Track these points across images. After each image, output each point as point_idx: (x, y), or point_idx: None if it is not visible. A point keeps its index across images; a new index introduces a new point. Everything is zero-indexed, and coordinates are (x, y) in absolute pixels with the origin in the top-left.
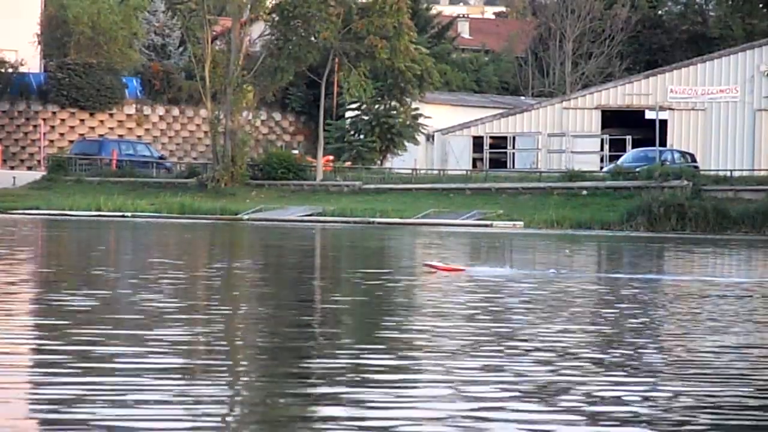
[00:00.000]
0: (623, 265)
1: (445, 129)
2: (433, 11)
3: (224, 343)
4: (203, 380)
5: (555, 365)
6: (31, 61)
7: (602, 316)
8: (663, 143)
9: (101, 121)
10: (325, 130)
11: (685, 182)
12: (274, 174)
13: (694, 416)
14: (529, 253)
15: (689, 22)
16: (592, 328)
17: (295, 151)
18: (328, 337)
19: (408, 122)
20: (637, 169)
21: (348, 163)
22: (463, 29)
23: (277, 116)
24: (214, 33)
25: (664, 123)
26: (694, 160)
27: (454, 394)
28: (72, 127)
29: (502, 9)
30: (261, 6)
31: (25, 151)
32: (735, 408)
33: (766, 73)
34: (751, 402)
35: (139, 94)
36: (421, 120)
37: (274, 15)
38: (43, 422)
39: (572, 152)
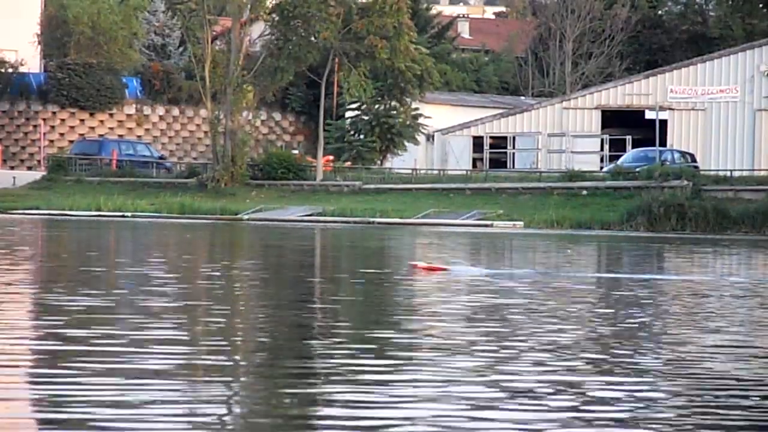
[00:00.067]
0: (619, 265)
1: (445, 129)
2: (433, 11)
3: (224, 343)
4: (203, 380)
5: (551, 365)
6: (31, 61)
7: (598, 316)
8: (663, 143)
9: (101, 121)
10: (325, 130)
11: (685, 182)
12: (274, 174)
13: (693, 416)
14: (521, 253)
15: (689, 22)
16: (587, 327)
17: (295, 151)
18: (326, 337)
19: (408, 122)
20: (637, 169)
21: (348, 163)
22: (463, 29)
23: (277, 116)
24: (214, 33)
25: (664, 123)
26: (694, 160)
27: (450, 394)
28: (72, 127)
29: (502, 9)
30: (261, 6)
31: (25, 151)
32: (732, 408)
33: (766, 73)
34: (750, 402)
35: (139, 94)
36: (421, 120)
37: (274, 15)
38: (44, 422)
39: (572, 152)
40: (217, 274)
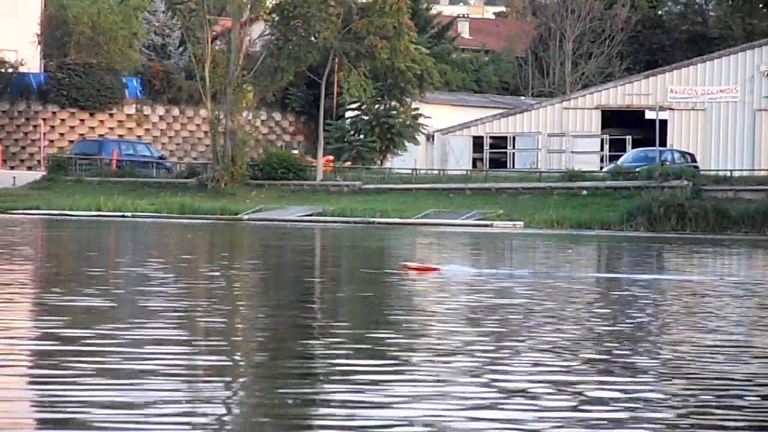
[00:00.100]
0: (617, 265)
1: (445, 129)
2: (433, 11)
3: (224, 343)
4: (203, 380)
5: (548, 365)
6: (31, 61)
7: (596, 315)
8: (663, 143)
9: (101, 121)
10: (325, 130)
11: (685, 182)
12: (274, 174)
13: (690, 417)
14: (516, 253)
15: (689, 22)
16: (585, 327)
17: (295, 151)
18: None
19: (408, 122)
20: (637, 169)
21: (348, 163)
22: (463, 29)
23: (277, 116)
24: (214, 33)
25: (664, 123)
26: (694, 160)
27: (447, 394)
28: (72, 127)
29: (502, 9)
30: (261, 6)
31: (25, 151)
32: (730, 408)
33: (766, 73)
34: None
35: (139, 94)
36: (421, 120)
37: (274, 15)
38: (43, 422)
39: (572, 152)
40: (217, 274)
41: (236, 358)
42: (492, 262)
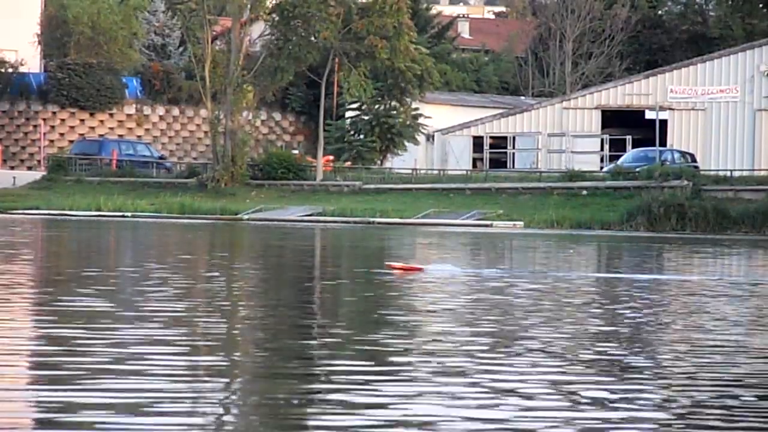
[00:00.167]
0: (613, 265)
1: (445, 129)
2: (433, 11)
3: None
4: (202, 381)
5: (543, 365)
6: (31, 61)
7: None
8: (663, 143)
9: (101, 121)
10: (325, 130)
11: (685, 182)
12: (274, 174)
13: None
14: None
15: (689, 22)
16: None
17: (295, 151)
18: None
19: (408, 122)
20: (637, 169)
21: (348, 163)
22: (463, 29)
23: (277, 116)
24: (214, 33)
25: (664, 123)
26: (694, 160)
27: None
28: (72, 127)
29: (502, 9)
30: (261, 6)
31: (25, 151)
32: (728, 409)
33: (766, 73)
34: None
35: (139, 94)
36: (421, 120)
37: (274, 15)
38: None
39: (572, 152)
40: (216, 274)
41: (236, 358)
42: (479, 262)
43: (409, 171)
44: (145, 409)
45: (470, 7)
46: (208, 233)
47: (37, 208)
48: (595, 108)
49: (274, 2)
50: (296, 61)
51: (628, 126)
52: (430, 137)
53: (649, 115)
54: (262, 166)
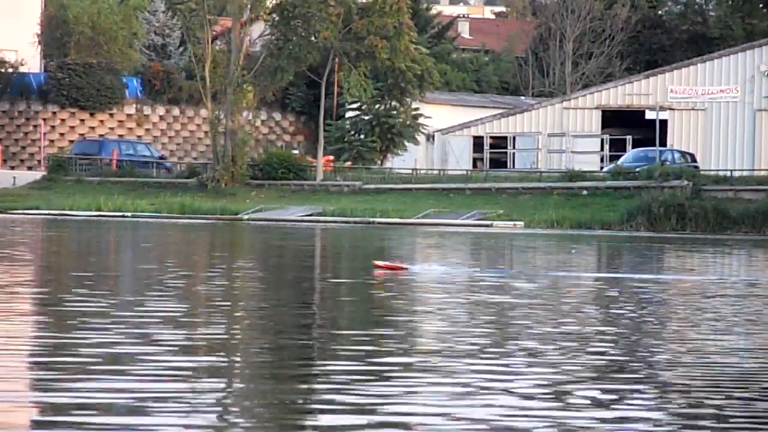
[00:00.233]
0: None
1: (445, 129)
2: (433, 11)
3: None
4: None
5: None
6: (31, 61)
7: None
8: (663, 143)
9: (101, 121)
10: (325, 130)
11: (685, 182)
12: (274, 174)
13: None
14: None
15: (689, 22)
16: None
17: (295, 151)
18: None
19: (408, 122)
20: (637, 169)
21: (348, 163)
22: (463, 29)
23: (277, 116)
24: (214, 33)
25: (664, 123)
26: (694, 160)
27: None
28: (72, 127)
29: (502, 9)
30: (261, 6)
31: (25, 151)
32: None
33: (766, 73)
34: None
35: (139, 94)
36: (421, 120)
37: (274, 15)
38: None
39: (572, 152)
40: (217, 274)
41: (236, 358)
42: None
43: (409, 171)
44: (145, 409)
45: (470, 7)
46: (208, 233)
47: (37, 208)
48: (595, 108)
49: (274, 2)
50: (296, 61)
51: (628, 126)
52: (430, 137)
53: (649, 115)
54: (262, 166)
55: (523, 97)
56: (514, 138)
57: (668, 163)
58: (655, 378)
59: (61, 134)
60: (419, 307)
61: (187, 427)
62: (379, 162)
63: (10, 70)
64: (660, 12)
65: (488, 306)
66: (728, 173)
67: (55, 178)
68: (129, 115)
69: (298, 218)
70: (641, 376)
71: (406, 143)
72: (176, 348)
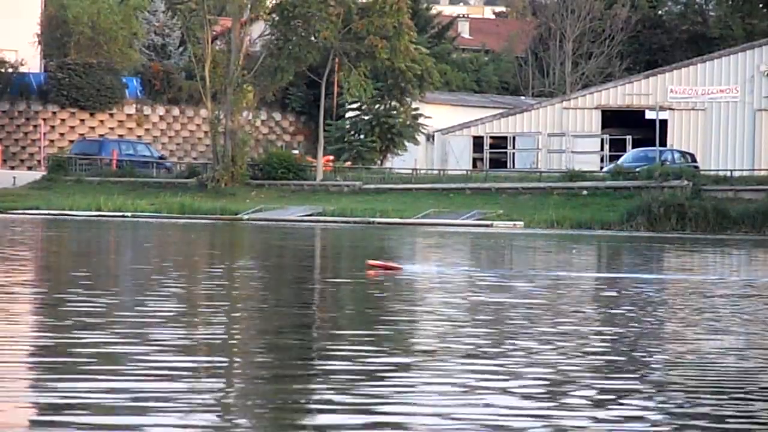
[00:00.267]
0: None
1: (445, 129)
2: (433, 11)
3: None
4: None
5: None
6: (31, 61)
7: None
8: (663, 143)
9: (101, 121)
10: (325, 130)
11: (685, 182)
12: (274, 174)
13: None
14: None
15: (689, 22)
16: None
17: (295, 151)
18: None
19: (408, 122)
20: (637, 169)
21: (348, 163)
22: (463, 29)
23: (277, 116)
24: (214, 33)
25: (664, 123)
26: (694, 160)
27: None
28: (72, 127)
29: (502, 9)
30: (261, 6)
31: (25, 151)
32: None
33: (766, 73)
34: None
35: (139, 94)
36: (421, 120)
37: (274, 15)
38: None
39: (572, 152)
40: (218, 273)
41: (235, 358)
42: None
43: (409, 171)
44: (145, 409)
45: (470, 7)
46: (208, 233)
47: (37, 208)
48: (595, 108)
49: (274, 2)
50: (296, 61)
51: (628, 126)
52: (430, 137)
53: (649, 115)
54: (262, 166)
55: (523, 97)
56: (514, 138)
57: (668, 163)
58: (653, 378)
59: (61, 134)
60: (417, 307)
61: (186, 427)
62: (379, 162)
63: (10, 70)
64: (660, 12)
65: (486, 306)
66: (728, 173)
67: (55, 178)
68: (129, 115)
69: (298, 218)
70: (639, 376)
71: (406, 143)
72: (175, 348)
